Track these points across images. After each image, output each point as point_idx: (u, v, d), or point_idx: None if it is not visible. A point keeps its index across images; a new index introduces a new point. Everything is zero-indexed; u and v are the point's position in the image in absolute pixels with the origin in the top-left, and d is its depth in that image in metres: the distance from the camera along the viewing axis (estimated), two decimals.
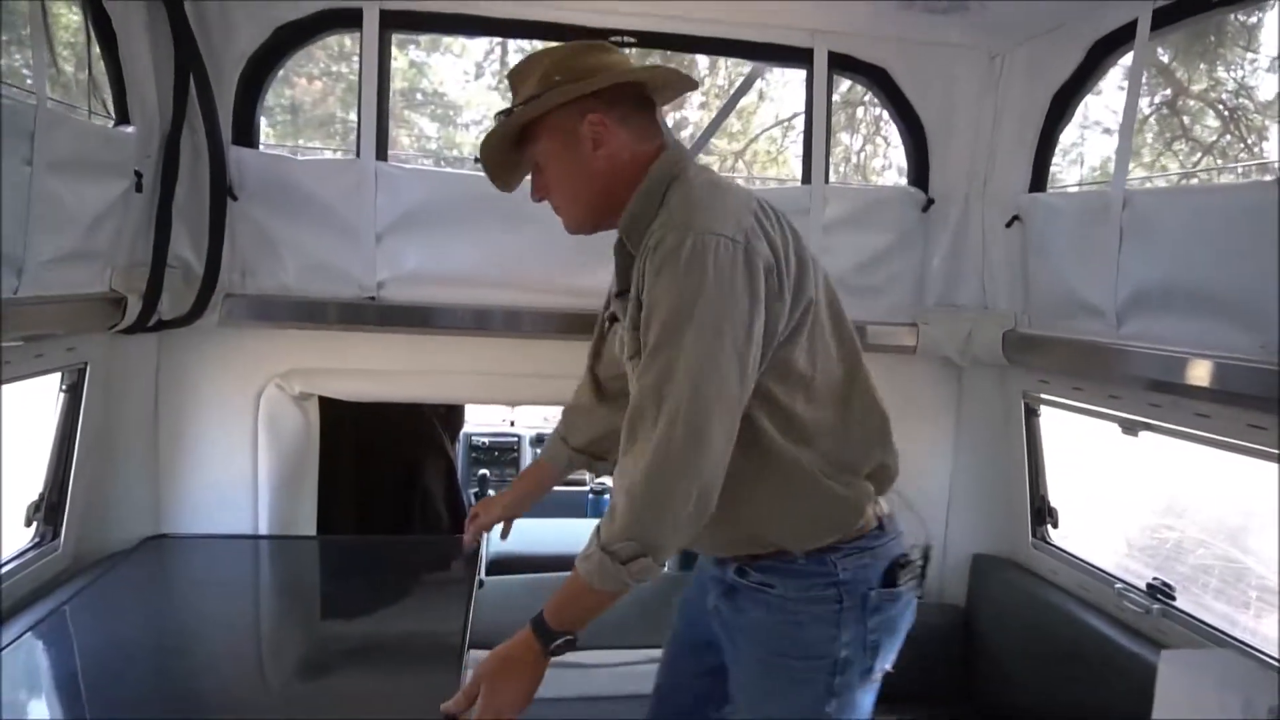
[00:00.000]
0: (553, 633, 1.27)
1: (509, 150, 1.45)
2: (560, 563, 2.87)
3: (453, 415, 2.88)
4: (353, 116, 2.17)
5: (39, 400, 1.90)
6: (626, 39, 2.15)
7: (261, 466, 2.22)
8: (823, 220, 2.27)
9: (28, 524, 1.91)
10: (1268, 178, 1.57)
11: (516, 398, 2.52)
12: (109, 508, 2.10)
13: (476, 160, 1.48)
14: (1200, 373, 1.59)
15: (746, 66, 2.49)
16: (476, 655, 1.46)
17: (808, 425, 1.35)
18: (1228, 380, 1.53)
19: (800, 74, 2.31)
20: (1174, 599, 1.88)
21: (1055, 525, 2.32)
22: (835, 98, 2.49)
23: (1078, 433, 2.32)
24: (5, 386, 1.63)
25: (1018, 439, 2.33)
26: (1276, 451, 1.53)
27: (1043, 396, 2.23)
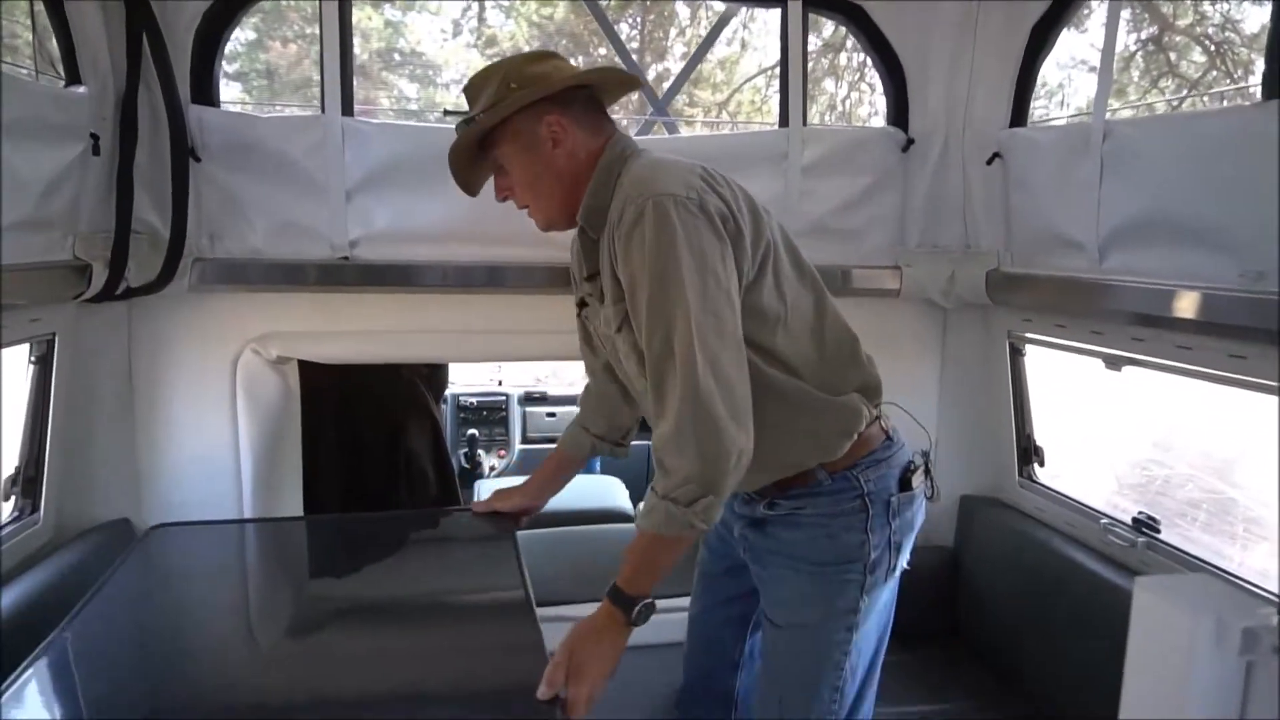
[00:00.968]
0: (631, 599, 1.34)
1: (472, 157, 1.57)
2: (573, 517, 2.88)
3: (436, 375, 2.85)
4: None
5: (8, 372, 1.88)
6: None
7: (242, 433, 2.19)
8: (801, 163, 2.23)
9: (5, 498, 1.89)
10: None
11: (500, 354, 2.49)
12: (88, 480, 2.08)
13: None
14: (1182, 305, 1.58)
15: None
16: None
17: (791, 359, 1.46)
18: (1209, 311, 1.52)
19: None
20: (1159, 532, 1.89)
21: (1042, 464, 2.33)
22: (817, 43, 2.43)
23: (1063, 372, 2.32)
24: None
25: (1003, 379, 2.33)
26: (1262, 382, 1.52)
27: (1027, 335, 2.22)
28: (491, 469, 4.11)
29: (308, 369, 2.32)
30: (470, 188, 1.64)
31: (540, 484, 1.96)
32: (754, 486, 1.55)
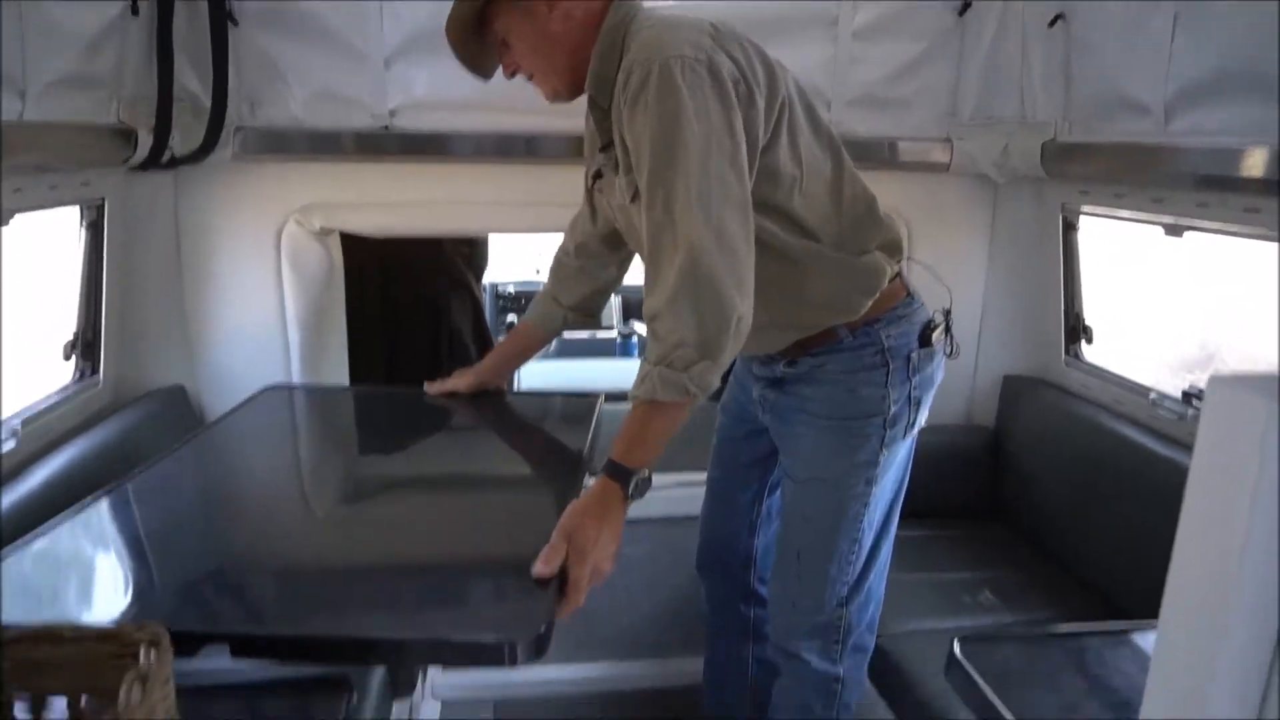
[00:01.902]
0: (628, 471, 1.27)
1: (474, 36, 1.48)
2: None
3: (476, 253, 2.86)
4: None
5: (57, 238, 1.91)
6: None
7: (289, 305, 2.23)
8: (851, 27, 2.14)
9: (66, 358, 1.95)
10: None
11: (539, 226, 2.47)
12: (143, 347, 2.14)
13: None
14: (1252, 162, 1.51)
15: None
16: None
17: (808, 221, 1.45)
18: (1267, 168, 1.45)
19: None
20: None
21: (1090, 342, 2.29)
22: None
23: (1114, 251, 2.25)
24: (22, 216, 1.63)
25: (1054, 255, 2.27)
26: None
27: (1082, 209, 2.15)
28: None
29: (351, 245, 2.33)
30: (480, 69, 1.56)
31: (499, 361, 1.95)
32: (776, 348, 1.55)
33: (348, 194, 2.20)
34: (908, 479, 1.62)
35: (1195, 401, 1.86)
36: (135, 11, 1.79)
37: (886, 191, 2.29)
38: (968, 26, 2.19)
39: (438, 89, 2.07)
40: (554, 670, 2.54)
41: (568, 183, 2.23)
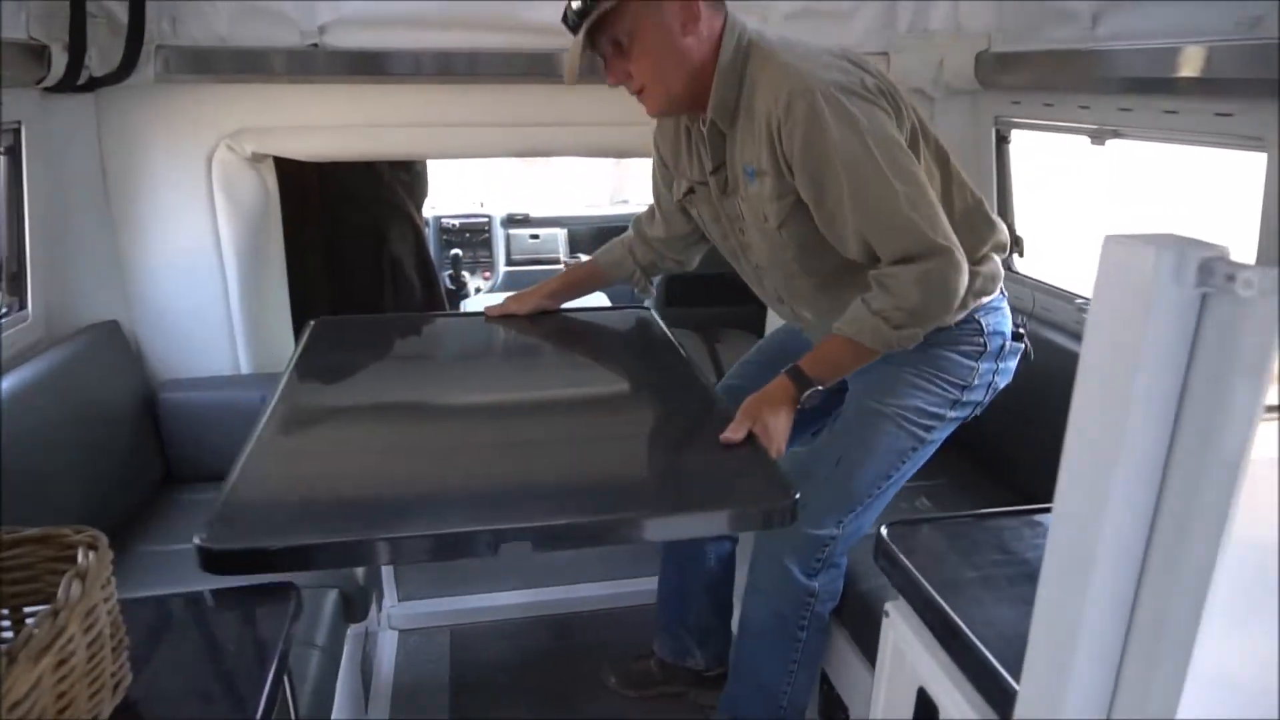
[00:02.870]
0: (809, 381, 1.50)
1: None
2: None
3: (416, 182, 2.81)
4: None
5: None
6: None
7: (223, 234, 2.18)
8: None
9: None
10: None
11: (483, 149, 2.44)
12: (73, 280, 2.08)
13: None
14: (1170, 63, 1.55)
15: None
16: None
17: None
18: (1197, 66, 1.49)
19: None
20: None
21: (1021, 254, 2.35)
22: None
23: (1049, 164, 2.30)
24: None
25: (988, 169, 2.31)
26: (1251, 137, 1.50)
27: (1014, 120, 2.19)
28: (477, 290, 4.12)
29: (286, 170, 2.28)
30: (572, 76, 1.51)
31: (561, 288, 2.04)
32: None
33: (279, 117, 2.14)
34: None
35: None
36: None
37: None
38: None
39: (369, 4, 2.01)
40: (508, 597, 2.59)
41: (509, 103, 2.21)
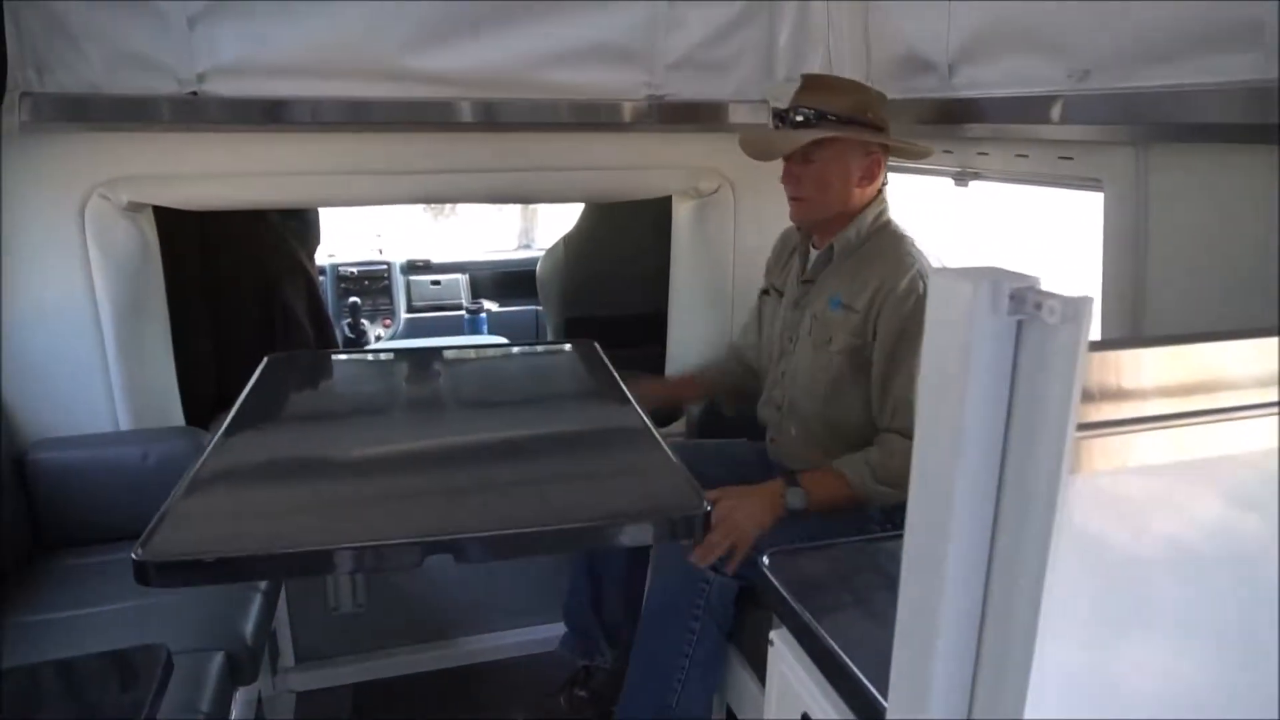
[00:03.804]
0: (799, 495, 1.67)
1: (788, 129, 1.80)
2: None
3: (306, 229, 2.76)
4: None
5: None
6: None
7: (99, 285, 2.09)
8: None
9: None
10: None
11: (370, 197, 2.42)
12: None
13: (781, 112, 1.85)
14: (1017, 110, 1.67)
15: None
16: None
17: None
18: (1039, 115, 1.61)
19: None
20: None
21: None
22: None
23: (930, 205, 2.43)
24: None
25: None
26: (1090, 179, 1.63)
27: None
28: (378, 338, 4.06)
29: (166, 219, 2.21)
30: (765, 149, 1.87)
31: (652, 384, 2.27)
32: None
33: (158, 165, 2.09)
34: None
35: None
36: None
37: (713, 153, 2.43)
38: None
39: (250, 52, 1.99)
40: (411, 653, 2.53)
41: (403, 151, 2.21)
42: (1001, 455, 0.71)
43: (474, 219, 5.05)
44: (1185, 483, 0.74)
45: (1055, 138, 1.65)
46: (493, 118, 2.16)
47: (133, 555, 1.11)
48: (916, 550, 0.76)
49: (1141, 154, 1.48)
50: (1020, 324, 0.68)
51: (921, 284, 1.72)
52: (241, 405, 1.80)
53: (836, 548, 1.37)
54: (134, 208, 2.10)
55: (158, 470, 2.10)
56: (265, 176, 2.18)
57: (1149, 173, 1.47)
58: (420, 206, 4.59)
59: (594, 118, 2.25)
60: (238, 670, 1.74)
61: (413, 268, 4.31)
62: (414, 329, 4.17)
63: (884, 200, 1.88)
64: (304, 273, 2.67)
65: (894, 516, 1.79)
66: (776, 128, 1.86)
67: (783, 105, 1.87)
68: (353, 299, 3.93)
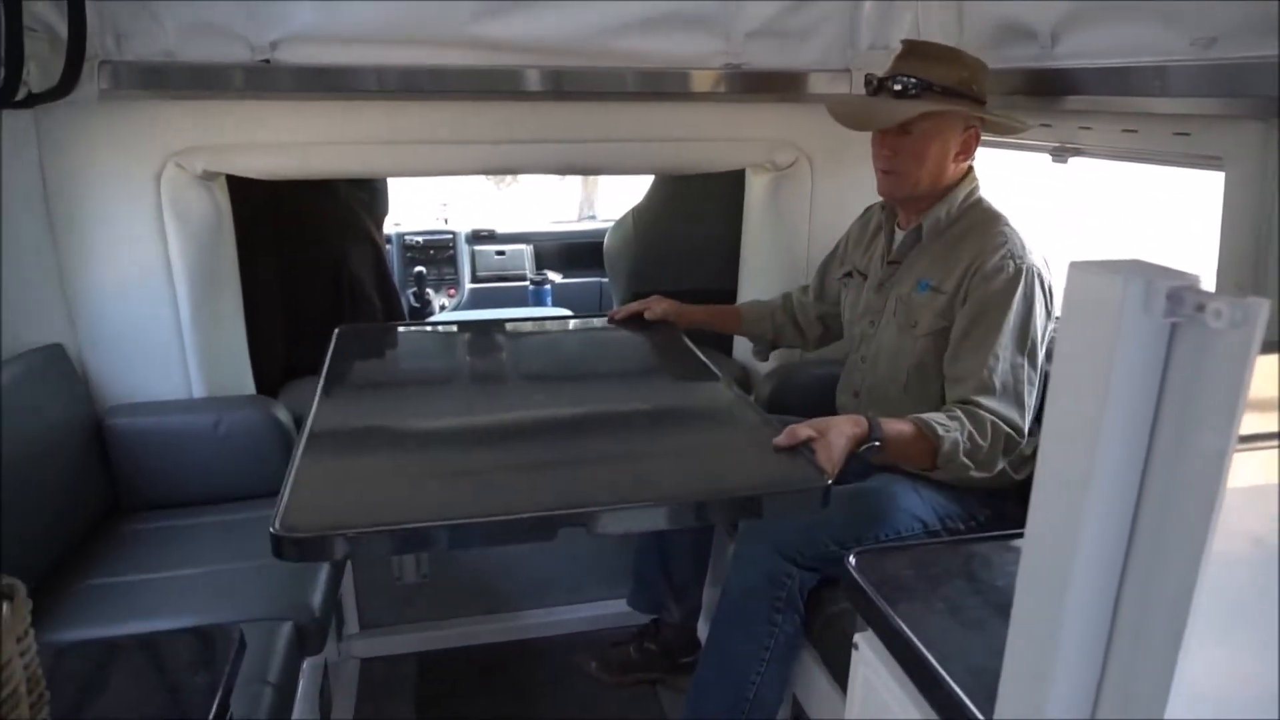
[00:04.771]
0: (876, 435, 1.55)
1: (890, 99, 1.71)
2: None
3: (375, 199, 2.76)
4: None
5: None
6: None
7: (174, 255, 2.11)
8: None
9: None
10: None
11: (446, 167, 2.39)
12: (16, 302, 1.99)
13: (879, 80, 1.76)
14: (1129, 82, 1.55)
15: None
16: None
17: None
18: (1155, 85, 1.49)
19: None
20: None
21: None
22: None
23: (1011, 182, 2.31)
24: None
25: None
26: (1207, 155, 1.51)
27: None
28: (442, 307, 4.06)
29: (242, 192, 2.22)
30: (866, 119, 1.76)
31: (695, 311, 2.20)
32: None
33: (232, 134, 2.08)
34: None
35: None
36: None
37: (790, 125, 2.34)
38: None
39: (322, 20, 1.96)
40: (473, 624, 2.54)
41: (473, 120, 2.17)
42: (1143, 466, 0.64)
43: (536, 190, 5.02)
44: None
45: (1170, 111, 1.53)
46: (562, 86, 2.11)
47: (270, 529, 1.11)
48: (1038, 560, 0.71)
49: (1270, 130, 1.36)
50: (1174, 327, 0.61)
51: (1011, 264, 1.66)
52: (327, 374, 1.84)
53: (923, 548, 1.31)
54: (208, 176, 2.10)
55: (228, 437, 2.14)
56: (335, 145, 2.16)
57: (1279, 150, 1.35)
58: (484, 176, 4.56)
59: (666, 87, 2.18)
60: (306, 640, 1.75)
61: (477, 237, 4.30)
62: (478, 299, 4.16)
63: (975, 177, 1.81)
64: (371, 243, 2.67)
65: (978, 515, 1.72)
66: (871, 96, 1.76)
67: (879, 73, 1.77)
68: (418, 268, 3.93)
